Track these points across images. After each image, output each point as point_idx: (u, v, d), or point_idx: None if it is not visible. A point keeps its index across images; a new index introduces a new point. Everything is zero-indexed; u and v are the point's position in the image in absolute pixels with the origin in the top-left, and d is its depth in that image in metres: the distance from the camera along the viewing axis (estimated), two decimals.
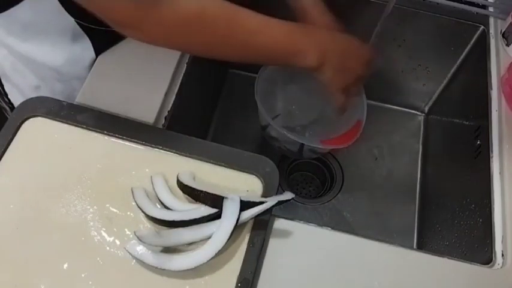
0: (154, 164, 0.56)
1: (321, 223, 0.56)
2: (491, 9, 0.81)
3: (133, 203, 0.52)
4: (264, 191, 0.55)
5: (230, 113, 0.98)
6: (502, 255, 0.57)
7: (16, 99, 0.73)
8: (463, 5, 0.81)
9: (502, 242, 0.58)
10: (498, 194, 0.62)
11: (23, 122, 0.57)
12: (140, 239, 0.48)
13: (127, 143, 0.57)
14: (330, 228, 0.56)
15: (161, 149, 0.57)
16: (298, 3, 0.67)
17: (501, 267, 0.56)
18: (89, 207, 0.53)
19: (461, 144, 0.80)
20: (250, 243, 0.51)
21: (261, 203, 0.50)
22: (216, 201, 0.50)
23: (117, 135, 0.57)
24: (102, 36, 0.64)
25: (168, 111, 0.63)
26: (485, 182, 0.64)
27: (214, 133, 0.96)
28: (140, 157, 0.56)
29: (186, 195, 0.53)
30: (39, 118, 0.58)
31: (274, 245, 0.53)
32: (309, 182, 0.94)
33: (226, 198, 0.50)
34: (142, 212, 0.51)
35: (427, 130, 0.99)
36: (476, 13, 0.81)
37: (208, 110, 0.97)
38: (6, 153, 0.55)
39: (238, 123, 0.97)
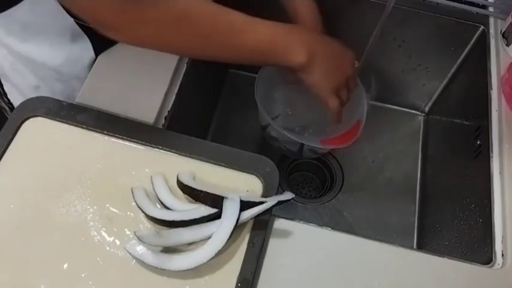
0: (154, 164, 0.56)
1: (321, 223, 0.56)
2: (491, 9, 0.81)
3: (133, 203, 0.52)
4: (264, 191, 0.55)
5: (230, 113, 0.98)
6: (502, 255, 0.57)
7: (16, 99, 0.73)
8: (463, 5, 0.81)
9: (502, 242, 0.58)
10: (498, 194, 0.62)
11: (23, 122, 0.57)
12: (140, 239, 0.48)
13: (127, 143, 0.57)
14: (330, 228, 0.56)
15: (161, 149, 0.57)
16: (290, 3, 0.67)
17: (501, 267, 0.56)
18: (89, 207, 0.53)
19: (461, 144, 0.80)
20: (250, 243, 0.51)
21: (261, 203, 0.50)
22: (216, 201, 0.50)
23: (117, 135, 0.57)
24: (102, 36, 0.64)
25: (168, 111, 0.63)
26: (485, 182, 0.64)
27: (214, 133, 0.96)
28: (140, 157, 0.56)
29: (186, 195, 0.53)
30: (39, 118, 0.58)
31: (274, 245, 0.53)
32: (309, 182, 0.94)
33: (226, 198, 0.50)
34: (142, 212, 0.51)
35: (427, 130, 0.99)
36: (476, 13, 0.81)
37: (208, 110, 0.97)
38: (6, 153, 0.55)
39: (238, 123, 0.97)
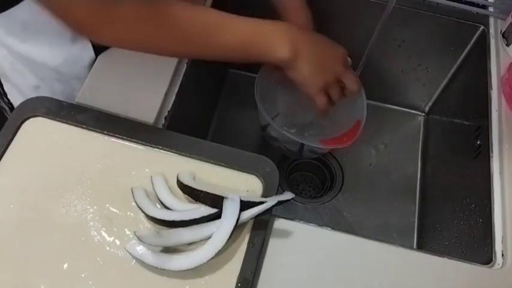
0: (154, 164, 0.56)
1: (321, 223, 0.56)
2: (491, 9, 0.81)
3: (133, 203, 0.52)
4: (264, 191, 0.55)
5: (230, 113, 0.98)
6: (502, 255, 0.57)
7: (16, 99, 0.73)
8: (463, 5, 0.81)
9: (502, 242, 0.58)
10: (498, 194, 0.62)
11: (23, 122, 0.57)
12: (140, 239, 0.48)
13: (127, 143, 0.57)
14: (330, 228, 0.56)
15: (161, 149, 0.57)
16: (280, 2, 0.67)
17: (501, 267, 0.56)
18: (89, 207, 0.53)
19: (461, 144, 0.80)
20: (250, 243, 0.51)
21: (261, 203, 0.50)
22: (216, 201, 0.50)
23: (117, 135, 0.57)
24: None
25: (168, 111, 0.63)
26: (485, 182, 0.64)
27: (214, 133, 0.96)
28: (140, 157, 0.56)
29: (186, 195, 0.53)
30: (39, 118, 0.58)
31: (274, 245, 0.53)
32: (309, 182, 0.94)
33: (226, 198, 0.50)
34: (142, 212, 0.51)
35: (427, 130, 0.99)
36: (476, 13, 0.81)
37: (208, 110, 0.97)
38: (6, 153, 0.55)
39: (238, 123, 0.97)
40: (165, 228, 0.51)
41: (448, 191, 0.81)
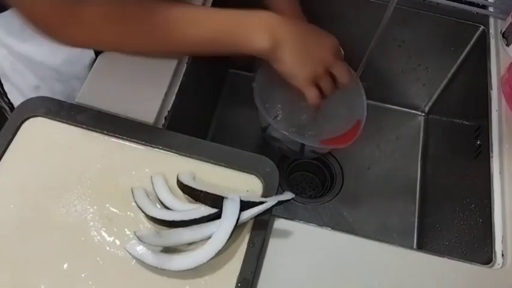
0: (154, 164, 0.56)
1: (321, 223, 0.56)
2: (491, 9, 0.81)
3: (133, 203, 0.52)
4: (264, 191, 0.55)
5: (230, 113, 0.98)
6: (502, 255, 0.57)
7: (16, 99, 0.73)
8: (463, 5, 0.81)
9: (502, 242, 0.58)
10: (498, 194, 0.62)
11: (23, 122, 0.57)
12: (140, 239, 0.48)
13: (127, 143, 0.57)
14: (330, 228, 0.56)
15: (161, 149, 0.57)
16: (273, 3, 0.66)
17: (501, 267, 0.56)
18: (89, 207, 0.53)
19: (461, 144, 0.80)
20: (250, 243, 0.51)
21: (261, 203, 0.50)
22: (216, 201, 0.50)
23: (117, 135, 0.57)
24: None
25: (168, 111, 0.63)
26: (485, 182, 0.64)
27: (214, 133, 0.96)
28: (140, 157, 0.56)
29: (186, 195, 0.53)
30: (39, 118, 0.58)
31: (274, 245, 0.53)
32: (309, 182, 0.94)
33: (226, 198, 0.50)
34: (142, 212, 0.51)
35: (427, 130, 0.99)
36: (476, 13, 0.81)
37: (208, 110, 0.97)
38: (6, 153, 0.55)
39: (238, 123, 0.97)
40: (165, 228, 0.51)
41: (448, 191, 0.81)
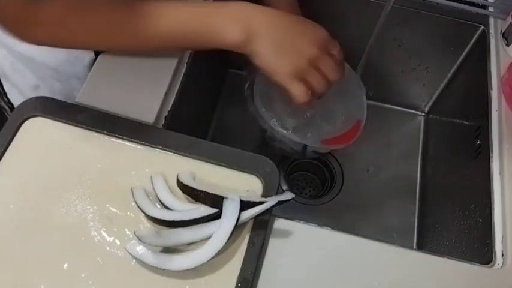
0: (154, 164, 0.56)
1: (321, 223, 0.56)
2: (491, 9, 0.81)
3: (133, 203, 0.52)
4: (264, 191, 0.55)
5: (230, 113, 0.98)
6: (502, 255, 0.57)
7: (15, 98, 0.73)
8: (463, 5, 0.81)
9: (502, 242, 0.58)
10: (498, 194, 0.62)
11: (23, 122, 0.57)
12: (140, 239, 0.48)
13: (127, 143, 0.57)
14: (330, 228, 0.56)
15: (161, 149, 0.57)
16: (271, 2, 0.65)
17: (501, 267, 0.56)
18: (89, 207, 0.53)
19: (461, 144, 0.80)
20: (250, 243, 0.51)
21: (261, 203, 0.50)
22: (216, 201, 0.50)
23: (117, 135, 0.57)
24: None
25: (168, 111, 0.63)
26: (485, 182, 0.64)
27: (214, 133, 0.96)
28: (140, 157, 0.56)
29: (186, 195, 0.53)
30: (39, 118, 0.58)
31: (274, 245, 0.53)
32: (309, 182, 0.94)
33: (226, 198, 0.50)
34: (142, 212, 0.51)
35: (427, 130, 0.99)
36: (476, 13, 0.81)
37: (208, 110, 0.97)
38: (6, 153, 0.55)
39: (238, 123, 0.96)
40: (165, 228, 0.51)
41: (448, 191, 0.81)
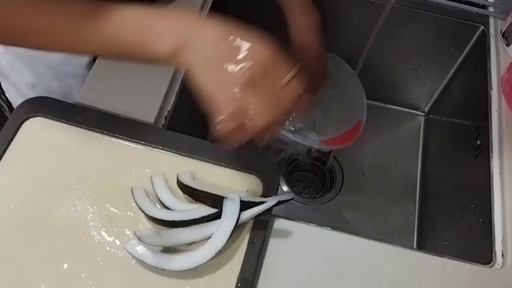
0: (154, 164, 0.56)
1: (321, 223, 0.56)
2: (491, 9, 0.81)
3: (133, 203, 0.52)
4: (264, 191, 0.55)
5: None
6: (502, 255, 0.57)
7: (13, 97, 0.73)
8: (463, 5, 0.81)
9: (502, 242, 0.58)
10: (498, 194, 0.62)
11: (23, 122, 0.57)
12: (140, 239, 0.48)
13: (127, 143, 0.57)
14: (330, 228, 0.56)
15: (161, 149, 0.57)
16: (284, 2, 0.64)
17: (501, 267, 0.56)
18: (89, 207, 0.53)
19: (461, 144, 0.80)
20: (250, 243, 0.51)
21: (261, 203, 0.50)
22: (216, 201, 0.50)
23: (117, 135, 0.57)
24: None
25: (168, 111, 0.63)
26: (485, 182, 0.64)
27: None
28: (140, 157, 0.56)
29: (186, 195, 0.53)
30: (39, 118, 0.58)
31: (274, 245, 0.53)
32: (309, 182, 0.94)
33: (226, 198, 0.50)
34: (142, 212, 0.51)
35: (427, 130, 0.99)
36: (476, 13, 0.81)
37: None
38: (6, 153, 0.55)
39: None
40: (165, 228, 0.51)
41: (448, 191, 0.81)
